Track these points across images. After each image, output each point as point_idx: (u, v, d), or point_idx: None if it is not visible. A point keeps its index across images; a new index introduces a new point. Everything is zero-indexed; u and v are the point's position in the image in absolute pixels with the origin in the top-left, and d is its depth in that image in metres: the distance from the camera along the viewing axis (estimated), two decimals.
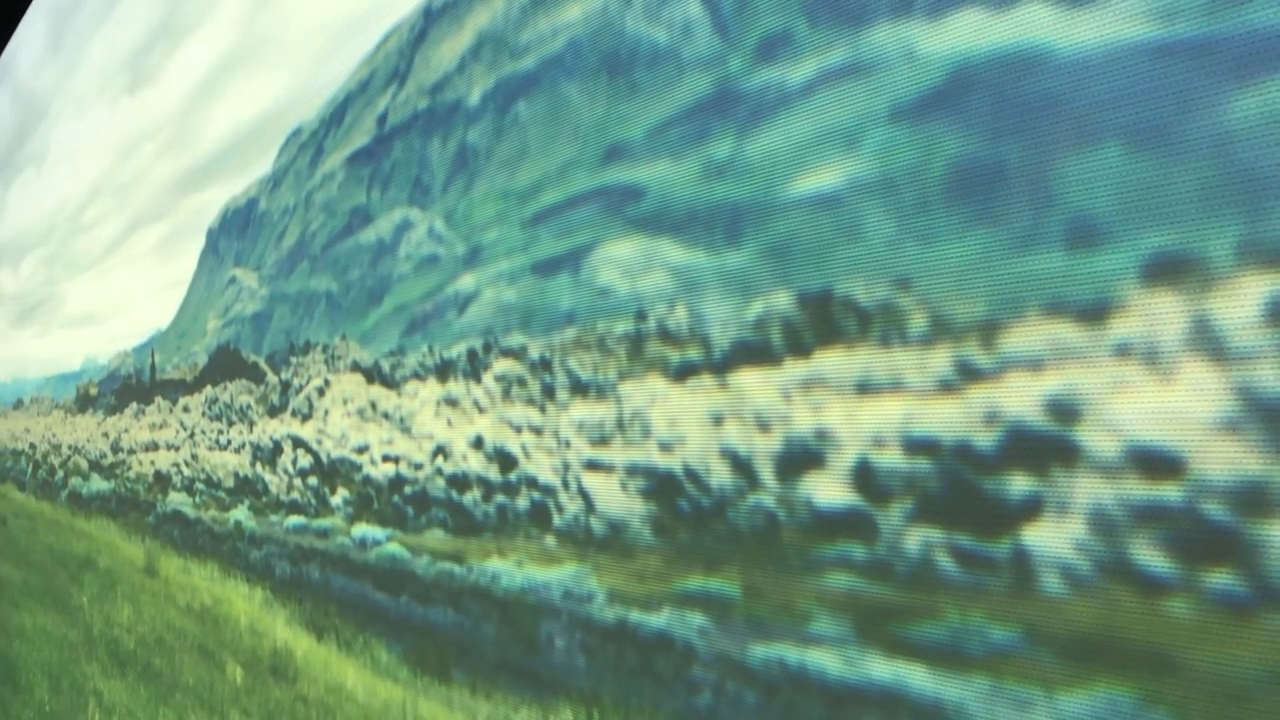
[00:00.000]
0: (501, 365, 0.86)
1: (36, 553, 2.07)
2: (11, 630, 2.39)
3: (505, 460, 0.82)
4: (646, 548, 0.68)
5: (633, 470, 0.69)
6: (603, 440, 0.72)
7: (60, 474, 1.84)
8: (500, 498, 0.81)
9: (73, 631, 1.75)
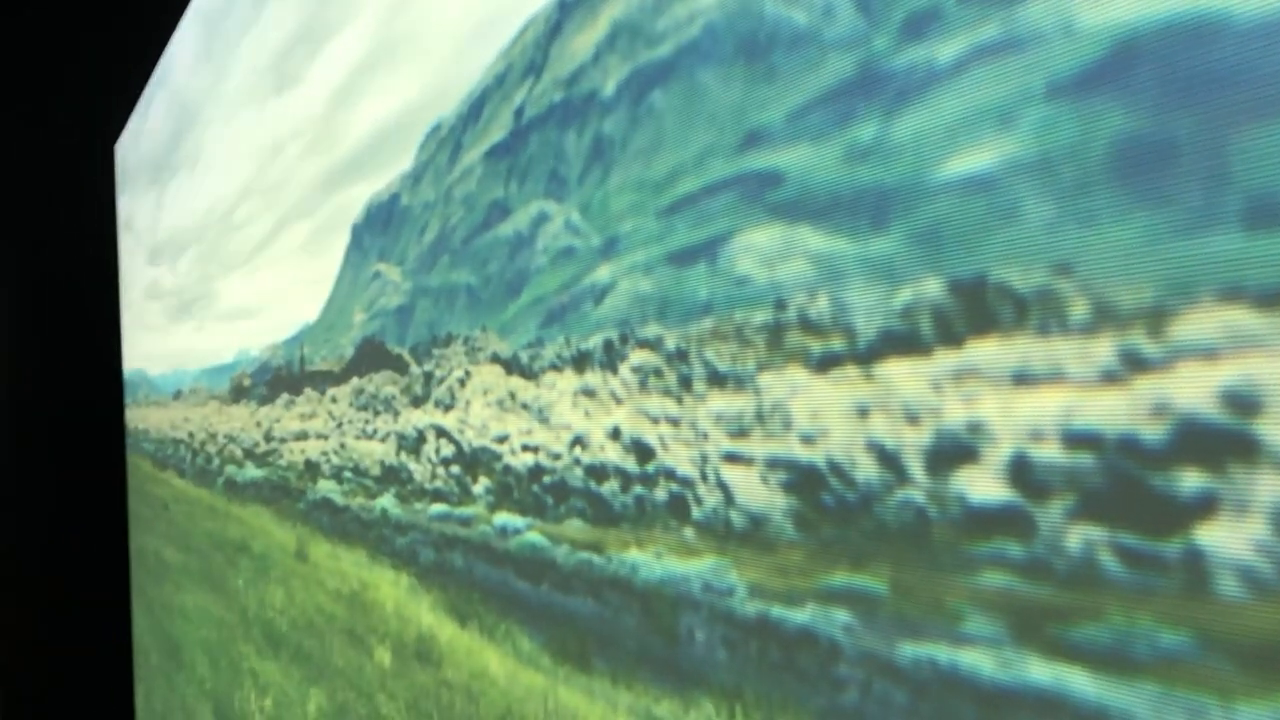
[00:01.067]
0: (638, 356, 0.85)
1: (196, 537, 2.20)
2: (174, 610, 2.51)
3: (642, 451, 0.82)
4: (788, 542, 0.67)
5: (773, 463, 0.68)
6: (742, 432, 0.70)
7: (217, 461, 1.94)
8: (638, 489, 0.81)
9: (229, 613, 1.86)
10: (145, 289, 2.68)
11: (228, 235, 1.83)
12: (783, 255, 0.57)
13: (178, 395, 2.37)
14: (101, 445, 3.58)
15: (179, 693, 2.47)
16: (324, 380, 1.38)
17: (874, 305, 0.53)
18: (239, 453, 1.86)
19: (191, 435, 2.28)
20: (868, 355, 0.54)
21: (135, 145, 2.73)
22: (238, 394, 1.85)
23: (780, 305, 0.58)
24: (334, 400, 1.35)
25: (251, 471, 1.77)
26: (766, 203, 0.58)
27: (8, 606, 3.62)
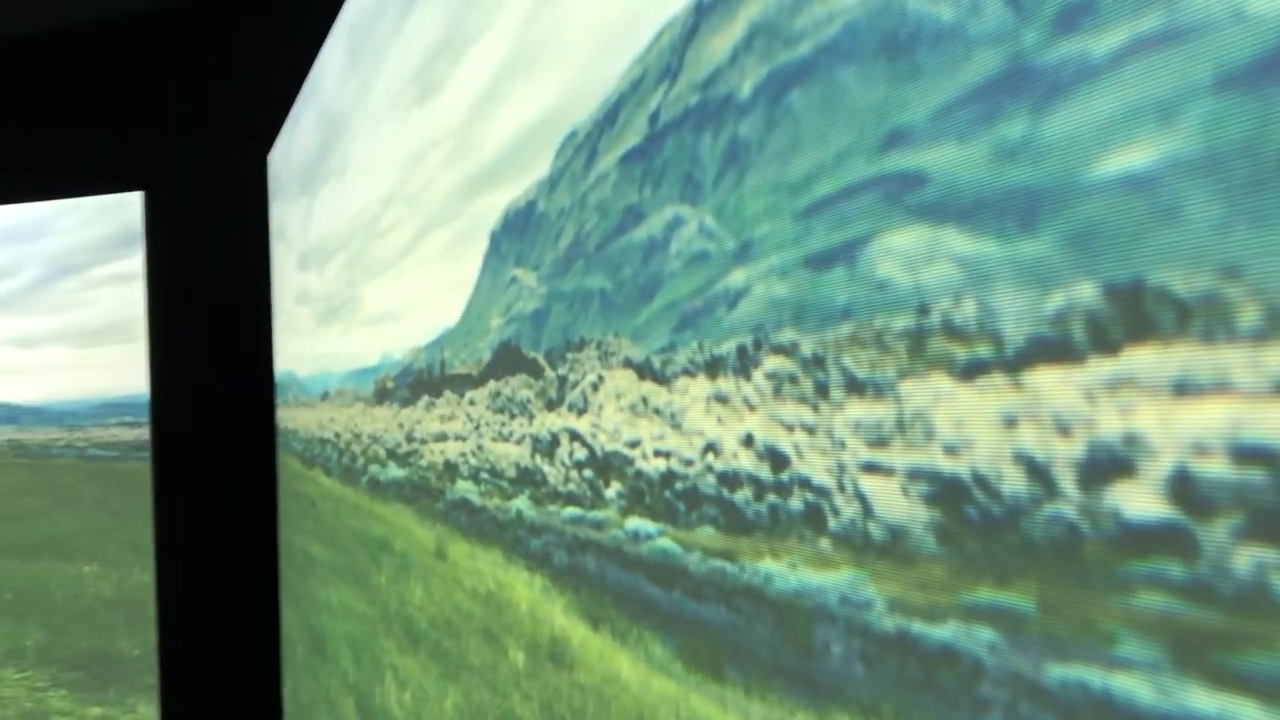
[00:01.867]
0: (772, 362, 0.84)
1: (341, 534, 2.28)
2: (320, 604, 2.60)
3: (777, 459, 0.81)
4: (930, 556, 0.64)
5: (915, 474, 0.65)
6: (881, 441, 0.68)
7: (361, 461, 2.01)
8: (772, 497, 0.80)
9: (372, 608, 1.92)
10: (296, 294, 2.80)
11: (372, 242, 1.89)
12: (926, 258, 0.55)
13: (325, 396, 2.47)
14: (255, 443, 3.74)
15: (323, 685, 2.56)
16: (463, 383, 1.41)
17: (1023, 310, 0.50)
18: (382, 453, 1.91)
19: (338, 435, 2.36)
20: (1016, 363, 0.51)
21: (287, 156, 2.85)
22: (381, 396, 1.90)
23: (923, 310, 0.56)
24: (472, 403, 1.38)
25: (394, 471, 1.83)
26: (909, 204, 0.56)
27: (169, 596, 3.82)
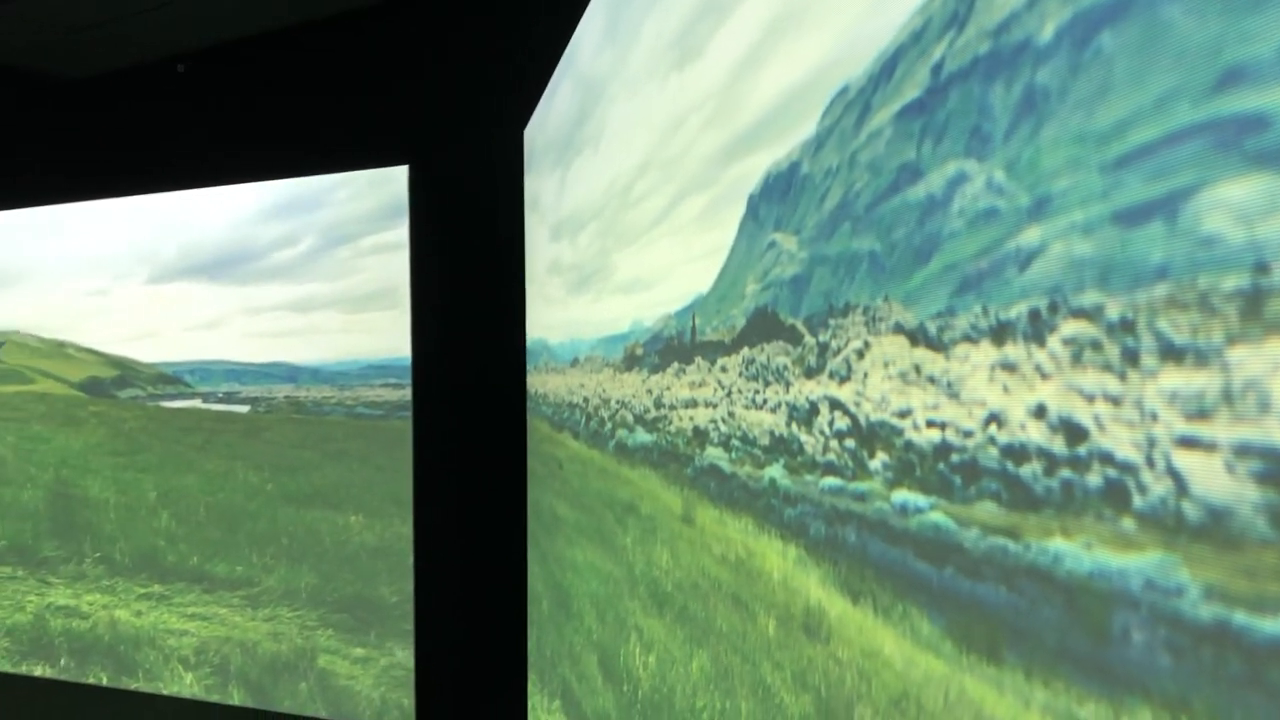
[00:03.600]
0: (1071, 327, 0.78)
1: (587, 496, 2.34)
2: (565, 563, 2.68)
3: (1073, 432, 0.75)
4: (1259, 541, 0.58)
5: (1243, 450, 0.59)
6: (1202, 414, 0.62)
7: (609, 425, 2.05)
8: (1065, 472, 0.74)
9: (617, 569, 1.95)
10: (548, 264, 2.88)
11: (625, 211, 1.92)
12: (1266, 211, 0.50)
13: (574, 362, 2.53)
14: (506, 406, 3.90)
15: (567, 640, 2.64)
16: (714, 350, 1.41)
17: None
18: (630, 418, 1.94)
19: (586, 400, 2.42)
20: None
21: (542, 128, 2.94)
22: (630, 362, 1.93)
23: (1261, 269, 0.50)
24: (723, 370, 1.37)
25: (641, 436, 1.85)
26: (1247, 151, 0.50)
27: (425, 547, 4.05)
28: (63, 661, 4.67)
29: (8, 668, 4.81)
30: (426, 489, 4.02)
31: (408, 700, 4.03)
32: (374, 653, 4.08)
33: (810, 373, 1.08)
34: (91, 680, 4.60)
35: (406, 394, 3.99)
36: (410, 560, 4.00)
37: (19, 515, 4.81)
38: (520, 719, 3.70)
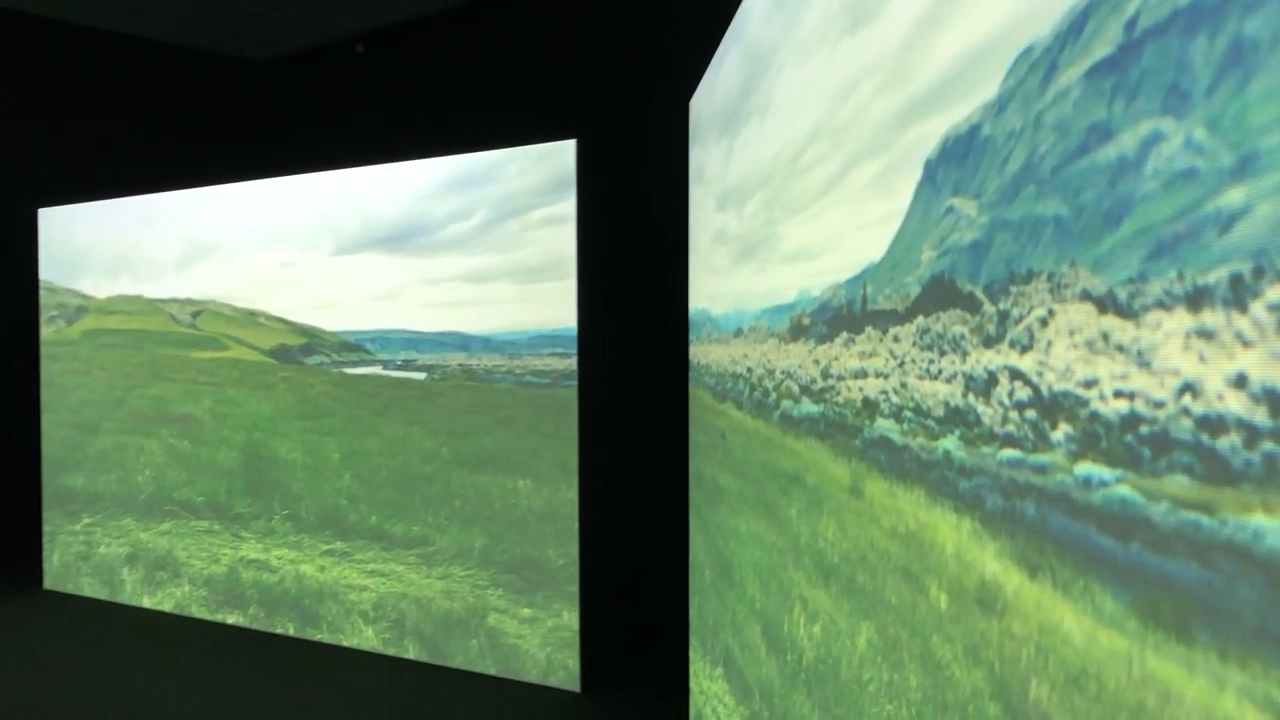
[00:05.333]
0: (1277, 292, 0.73)
1: (750, 466, 2.34)
2: (728, 532, 2.69)
3: (1278, 403, 0.70)
4: None
5: None
6: None
7: (773, 396, 2.03)
8: (1268, 445, 0.69)
9: (781, 540, 1.95)
10: (712, 234, 2.89)
11: (793, 179, 1.90)
12: None
13: (738, 333, 2.53)
14: (669, 376, 3.93)
15: (729, 608, 2.65)
16: (886, 319, 1.39)
17: None
18: (795, 388, 1.93)
19: (749, 370, 2.42)
20: None
21: (708, 99, 2.94)
22: (796, 332, 1.92)
23: None
24: (896, 339, 1.35)
25: (807, 407, 1.84)
26: None
27: (590, 513, 4.14)
28: (252, 611, 5.01)
29: (205, 615, 5.19)
30: (591, 456, 4.10)
31: (573, 661, 4.14)
32: (541, 613, 4.21)
33: (989, 342, 1.05)
34: (279, 630, 4.91)
35: (572, 363, 4.08)
36: (575, 525, 4.10)
37: (215, 474, 5.16)
38: (682, 685, 3.75)
